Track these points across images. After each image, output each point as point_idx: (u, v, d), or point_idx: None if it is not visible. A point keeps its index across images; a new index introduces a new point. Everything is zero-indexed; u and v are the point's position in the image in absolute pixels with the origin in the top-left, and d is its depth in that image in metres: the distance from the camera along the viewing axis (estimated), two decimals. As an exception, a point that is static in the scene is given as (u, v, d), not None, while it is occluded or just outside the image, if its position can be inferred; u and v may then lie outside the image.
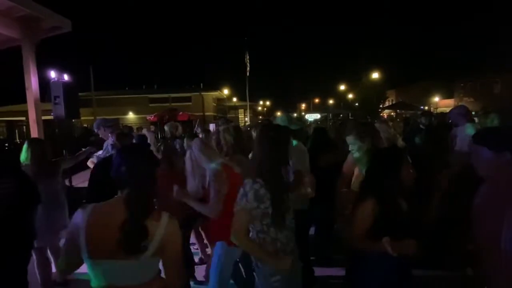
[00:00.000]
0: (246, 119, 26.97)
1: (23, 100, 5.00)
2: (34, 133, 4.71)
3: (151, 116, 15.58)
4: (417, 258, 1.54)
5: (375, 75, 28.03)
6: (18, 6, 4.07)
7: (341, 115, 20.62)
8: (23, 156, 2.71)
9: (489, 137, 1.31)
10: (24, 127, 12.10)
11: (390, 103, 31.09)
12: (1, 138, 11.74)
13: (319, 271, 2.92)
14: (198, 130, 5.39)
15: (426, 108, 24.83)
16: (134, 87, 32.11)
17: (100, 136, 4.42)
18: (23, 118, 12.63)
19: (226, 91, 31.07)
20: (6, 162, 2.51)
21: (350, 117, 18.87)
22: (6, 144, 10.42)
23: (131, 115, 27.85)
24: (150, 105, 27.49)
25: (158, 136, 8.30)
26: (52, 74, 5.07)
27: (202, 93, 28.60)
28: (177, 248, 1.24)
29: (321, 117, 20.21)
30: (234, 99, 33.47)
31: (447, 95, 32.55)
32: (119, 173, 1.17)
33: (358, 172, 2.19)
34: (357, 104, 32.57)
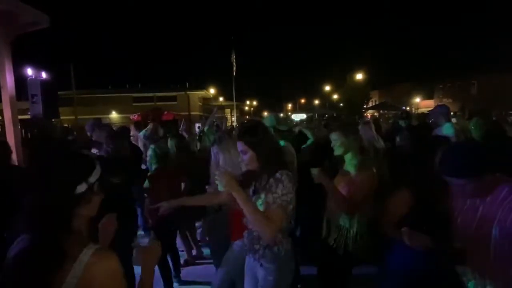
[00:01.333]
0: (233, 118, 26.87)
1: (-2, 99, 4.75)
2: (10, 133, 4.50)
3: (134, 116, 15.25)
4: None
5: (359, 76, 28.66)
6: (-9, -1, 3.88)
7: (327, 115, 20.92)
8: None
9: (456, 167, 1.26)
10: (-1, 126, 11.54)
11: (374, 104, 31.87)
12: (-27, 138, 11.16)
13: (306, 270, 2.94)
14: (183, 130, 5.31)
15: (408, 108, 25.62)
16: (117, 86, 31.31)
17: (93, 138, 4.24)
18: (-2, 118, 12.05)
19: (212, 91, 30.85)
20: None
21: (335, 117, 19.21)
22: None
23: (114, 115, 27.15)
24: (134, 104, 26.89)
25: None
26: (29, 71, 4.87)
27: (188, 93, 28.24)
28: None
29: (307, 117, 20.41)
30: (221, 99, 33.28)
31: (428, 96, 33.66)
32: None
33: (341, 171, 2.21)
34: (342, 104, 33.15)
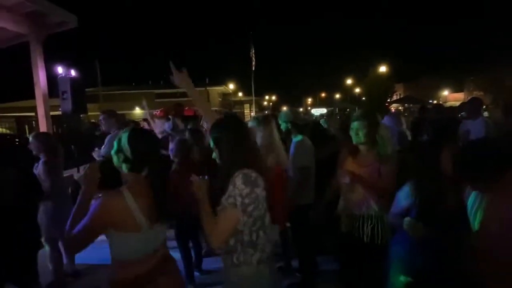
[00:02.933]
0: (252, 114, 26.91)
1: (32, 96, 5.05)
2: (43, 128, 4.79)
3: (157, 111, 15.67)
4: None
5: (383, 69, 27.60)
6: (25, 2, 4.11)
7: (348, 109, 20.40)
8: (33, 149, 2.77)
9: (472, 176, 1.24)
10: (34, 122, 12.30)
11: (398, 97, 30.65)
12: (11, 133, 11.97)
13: (324, 265, 2.93)
14: (203, 125, 5.40)
15: (435, 102, 24.41)
16: (140, 83, 32.31)
17: (103, 128, 4.38)
18: (32, 114, 12.84)
19: (231, 86, 31.04)
20: (19, 154, 2.56)
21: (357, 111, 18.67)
22: (17, 139, 10.63)
23: (137, 110, 28.07)
24: (156, 100, 27.64)
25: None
26: (60, 69, 5.12)
27: (208, 88, 28.59)
28: None
29: (328, 111, 20.03)
30: (240, 94, 33.43)
31: (457, 88, 31.88)
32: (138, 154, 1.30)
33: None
34: (364, 98, 32.18)
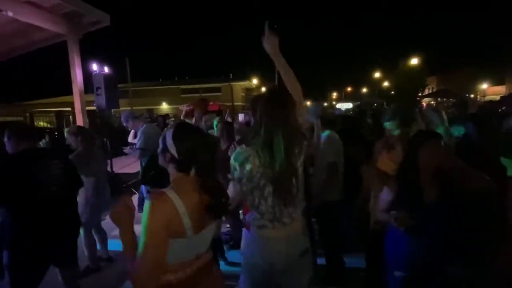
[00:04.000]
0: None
1: (67, 92, 5.38)
2: (79, 122, 5.09)
3: (183, 106, 16.05)
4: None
5: (414, 61, 26.19)
6: (63, 2, 4.36)
7: (375, 104, 19.68)
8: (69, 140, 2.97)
9: None
10: (70, 116, 13.12)
11: (431, 91, 28.97)
12: (51, 127, 12.87)
13: (350, 263, 2.87)
14: (228, 119, 5.46)
15: (472, 96, 22.80)
16: (167, 79, 33.26)
17: (129, 128, 4.59)
18: (69, 109, 13.69)
19: (255, 81, 31.01)
20: (56, 147, 2.75)
21: (385, 106, 17.95)
22: (56, 133, 11.43)
23: (164, 106, 28.97)
24: (182, 95, 28.34)
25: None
26: (94, 66, 5.37)
27: (231, 83, 28.82)
28: None
29: (354, 106, 19.41)
30: (263, 89, 33.35)
31: (497, 81, 29.54)
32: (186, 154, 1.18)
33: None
34: (392, 92, 30.81)
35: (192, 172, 1.19)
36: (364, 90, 39.74)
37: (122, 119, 4.56)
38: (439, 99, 20.26)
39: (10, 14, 3.82)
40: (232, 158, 1.45)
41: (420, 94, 26.23)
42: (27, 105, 24.30)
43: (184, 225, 1.13)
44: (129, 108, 18.96)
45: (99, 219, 3.11)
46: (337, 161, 2.66)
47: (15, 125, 2.35)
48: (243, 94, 31.25)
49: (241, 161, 1.41)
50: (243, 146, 1.46)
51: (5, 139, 2.05)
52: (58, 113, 13.19)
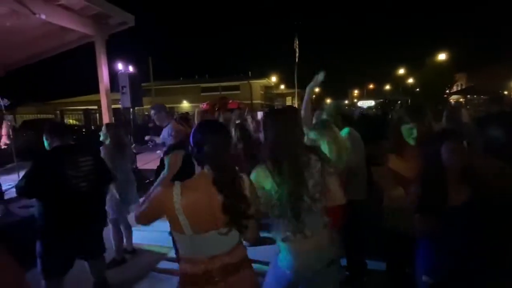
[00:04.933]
0: (295, 106, 26.48)
1: (92, 91, 5.61)
2: (106, 119, 5.31)
3: (203, 104, 16.31)
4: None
5: (442, 56, 24.95)
6: (91, 5, 4.54)
7: (399, 101, 18.96)
8: (103, 137, 3.10)
9: None
10: (97, 114, 13.70)
11: (459, 88, 27.51)
12: (79, 124, 13.52)
13: (373, 265, 2.80)
14: (248, 118, 5.47)
15: (506, 92, 21.40)
16: (187, 77, 33.85)
17: (156, 122, 4.64)
18: (95, 107, 14.30)
19: (274, 79, 30.88)
20: (86, 144, 2.87)
21: (408, 103, 17.28)
22: (84, 130, 11.99)
23: (184, 104, 29.54)
24: (202, 94, 28.75)
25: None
26: (119, 66, 5.56)
27: (250, 81, 28.85)
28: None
29: (376, 103, 18.84)
30: (282, 87, 33.13)
31: (534, 77, 27.50)
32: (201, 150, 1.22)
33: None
34: (418, 89, 29.57)
35: (207, 167, 1.23)
36: (387, 87, 38.44)
37: (155, 109, 4.52)
38: (468, 96, 19.22)
39: (43, 17, 4.03)
40: (252, 176, 1.46)
41: (448, 91, 24.99)
42: (57, 103, 25.67)
43: (180, 222, 1.17)
44: (151, 106, 19.56)
45: (126, 213, 3.23)
46: (359, 158, 2.60)
47: (49, 123, 2.48)
48: (262, 92, 31.23)
49: (261, 179, 1.45)
50: (262, 164, 1.49)
51: (43, 136, 2.18)
52: (85, 111, 13.80)
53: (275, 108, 1.88)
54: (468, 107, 14.12)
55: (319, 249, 1.46)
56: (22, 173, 4.48)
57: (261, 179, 1.44)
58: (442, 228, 1.43)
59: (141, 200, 1.32)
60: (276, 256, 1.56)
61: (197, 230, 1.19)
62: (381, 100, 20.39)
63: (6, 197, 4.05)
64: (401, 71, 32.44)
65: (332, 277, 1.52)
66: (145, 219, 1.25)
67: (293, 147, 1.44)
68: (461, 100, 19.50)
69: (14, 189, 3.93)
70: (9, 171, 5.67)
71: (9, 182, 4.58)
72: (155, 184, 1.29)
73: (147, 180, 5.00)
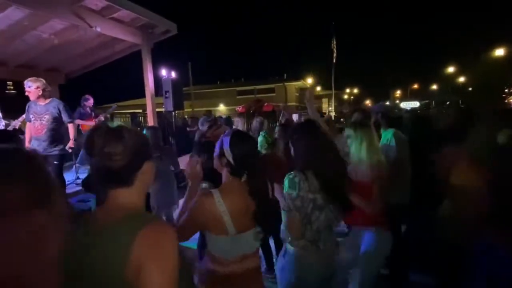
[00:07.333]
0: (330, 108, 25.74)
1: (137, 95, 6.01)
2: (151, 122, 5.66)
3: (239, 107, 16.61)
4: None
5: (500, 52, 22.54)
6: (140, 16, 4.91)
7: (448, 102, 17.49)
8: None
9: None
10: (141, 117, 14.68)
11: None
12: (126, 126, 14.57)
13: (416, 278, 2.61)
14: (282, 120, 5.46)
15: None
16: (224, 81, 34.83)
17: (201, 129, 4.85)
18: (140, 110, 15.31)
19: (309, 80, 30.43)
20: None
21: (460, 105, 15.86)
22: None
23: (221, 107, 30.38)
24: (238, 97, 29.33)
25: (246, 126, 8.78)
26: (163, 72, 5.91)
27: (285, 84, 28.75)
28: None
29: (421, 105, 17.58)
30: (318, 88, 32.47)
31: None
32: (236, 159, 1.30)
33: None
34: (470, 89, 27.04)
35: (244, 177, 1.32)
36: (434, 87, 35.75)
37: (200, 122, 4.67)
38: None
39: (98, 29, 4.45)
40: (285, 184, 1.52)
41: (507, 90, 22.47)
42: (108, 107, 27.96)
43: (225, 222, 1.25)
44: (190, 109, 20.42)
45: (169, 209, 3.40)
46: (403, 159, 2.46)
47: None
48: (297, 94, 30.93)
49: (292, 186, 1.50)
50: (296, 171, 1.54)
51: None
52: (133, 114, 14.87)
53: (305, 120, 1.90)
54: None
55: (326, 262, 1.58)
56: (81, 171, 4.87)
57: (293, 184, 1.49)
58: None
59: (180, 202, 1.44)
60: (281, 258, 1.65)
61: (240, 229, 1.28)
62: (427, 101, 18.96)
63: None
64: (451, 69, 29.92)
65: None
66: (186, 234, 1.27)
67: (325, 160, 1.50)
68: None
69: (74, 185, 4.34)
70: (68, 169, 6.30)
71: (68, 179, 5.09)
72: (181, 203, 1.39)
73: (186, 182, 5.21)
